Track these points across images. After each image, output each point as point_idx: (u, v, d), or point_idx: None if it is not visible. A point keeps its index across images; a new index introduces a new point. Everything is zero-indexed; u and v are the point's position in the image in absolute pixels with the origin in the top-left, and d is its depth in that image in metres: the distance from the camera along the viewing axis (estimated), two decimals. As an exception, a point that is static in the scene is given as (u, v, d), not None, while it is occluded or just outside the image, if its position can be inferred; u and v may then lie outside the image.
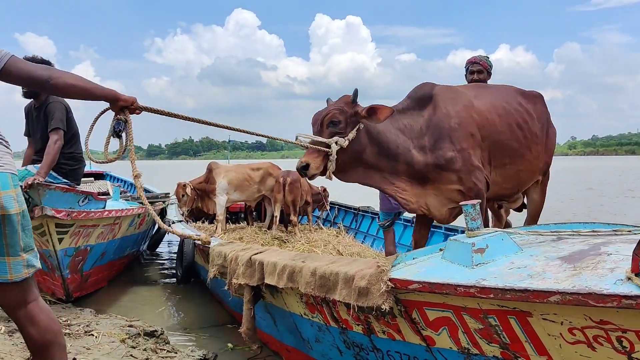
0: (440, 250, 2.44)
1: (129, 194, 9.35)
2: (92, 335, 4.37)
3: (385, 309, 2.33)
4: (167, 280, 7.43)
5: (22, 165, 5.24)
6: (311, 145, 3.53)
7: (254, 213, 10.05)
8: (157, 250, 9.84)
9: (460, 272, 2.14)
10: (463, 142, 3.69)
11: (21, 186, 4.64)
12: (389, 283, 2.32)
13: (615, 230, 2.27)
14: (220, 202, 8.00)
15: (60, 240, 5.22)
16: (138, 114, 2.73)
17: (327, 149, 3.52)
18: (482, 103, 3.93)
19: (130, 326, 4.72)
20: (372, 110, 3.56)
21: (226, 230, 8.24)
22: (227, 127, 3.14)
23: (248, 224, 9.22)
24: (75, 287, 5.72)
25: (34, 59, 5.00)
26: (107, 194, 7.97)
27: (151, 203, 8.59)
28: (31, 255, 2.27)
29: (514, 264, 2.06)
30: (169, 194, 9.33)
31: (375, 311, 2.47)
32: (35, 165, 5.04)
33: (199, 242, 4.56)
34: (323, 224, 9.25)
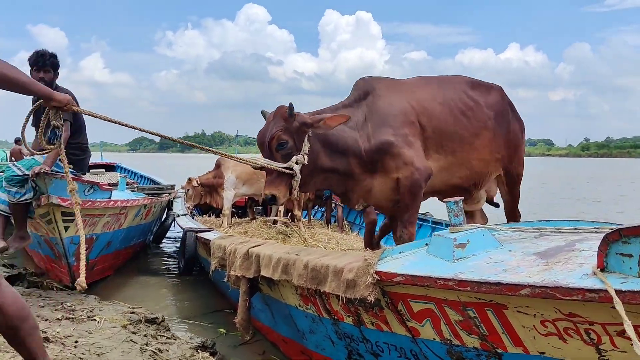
0: (426, 245, 2.51)
1: (136, 185, 9.47)
2: (95, 320, 4.48)
3: (371, 300, 2.42)
4: (172, 271, 7.56)
5: (29, 155, 5.35)
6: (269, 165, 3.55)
7: (260, 208, 10.14)
8: (162, 242, 9.95)
9: (442, 265, 2.22)
10: (403, 128, 3.78)
11: (28, 175, 4.78)
12: (375, 275, 2.40)
13: (596, 228, 2.33)
14: (227, 197, 8.11)
15: (66, 228, 5.33)
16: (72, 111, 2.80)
17: (291, 171, 3.54)
18: (422, 92, 4.04)
19: (132, 313, 4.83)
20: (323, 121, 3.59)
21: (232, 224, 8.35)
22: (159, 135, 3.52)
23: (252, 218, 9.32)
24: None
25: (43, 55, 5.12)
26: (115, 185, 8.09)
27: (158, 195, 8.72)
28: None
29: (491, 259, 2.14)
30: (174, 185, 9.43)
31: (362, 302, 2.56)
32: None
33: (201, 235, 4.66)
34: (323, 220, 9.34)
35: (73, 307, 4.85)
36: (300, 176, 3.57)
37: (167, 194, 9.04)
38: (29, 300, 5.01)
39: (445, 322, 2.29)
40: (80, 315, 4.58)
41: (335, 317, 3.01)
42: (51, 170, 4.86)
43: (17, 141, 15.20)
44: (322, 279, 2.79)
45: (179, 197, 9.05)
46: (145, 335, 4.29)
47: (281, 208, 8.15)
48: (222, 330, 4.78)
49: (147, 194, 8.41)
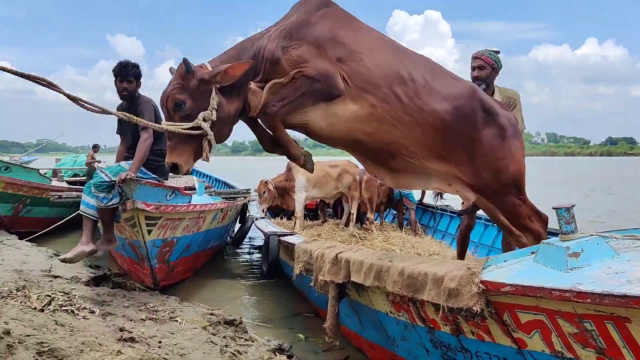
0: (532, 253, 2.43)
1: (213, 189, 9.65)
2: (176, 321, 4.59)
3: (477, 310, 2.36)
4: (249, 273, 7.65)
5: (115, 162, 5.55)
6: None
7: (331, 210, 10.16)
8: (241, 245, 10.01)
9: (554, 275, 2.13)
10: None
11: (115, 181, 4.95)
12: (480, 285, 2.34)
13: None
14: (299, 199, 8.17)
15: (149, 231, 5.50)
16: None
17: (199, 131, 3.10)
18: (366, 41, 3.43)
19: (212, 314, 4.92)
20: (224, 73, 3.11)
21: (304, 227, 8.39)
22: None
23: (323, 221, 9.34)
24: (163, 277, 6.02)
25: (126, 65, 5.32)
26: (193, 188, 8.28)
27: (233, 199, 8.87)
28: None
29: (610, 269, 2.04)
30: (249, 190, 9.56)
31: (465, 312, 2.50)
32: (127, 161, 5.32)
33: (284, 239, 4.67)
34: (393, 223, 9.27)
35: (155, 307, 4.98)
36: (212, 133, 3.14)
37: (242, 198, 9.18)
38: (114, 300, 5.17)
39: (557, 334, 2.20)
40: (163, 316, 4.69)
41: (431, 325, 2.96)
42: (136, 177, 5.02)
43: (94, 147, 15.90)
44: (420, 287, 2.74)
45: (253, 200, 9.17)
46: (224, 337, 4.35)
47: (354, 210, 8.13)
48: (300, 335, 4.78)
49: (223, 198, 8.57)
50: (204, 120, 3.10)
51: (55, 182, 11.58)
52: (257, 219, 7.48)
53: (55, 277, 5.88)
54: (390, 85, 3.25)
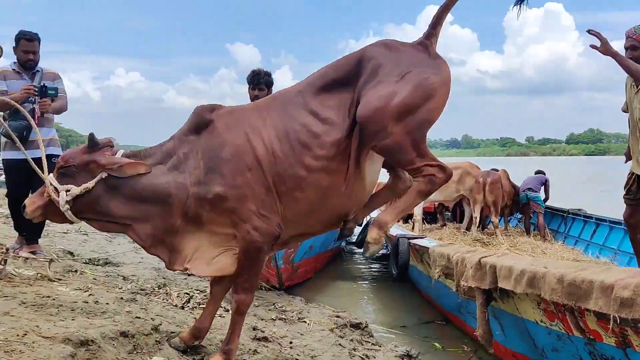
0: None
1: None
2: (305, 322, 4.63)
3: (657, 322, 2.15)
4: (369, 276, 7.61)
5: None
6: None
7: (449, 214, 9.91)
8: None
9: None
10: (237, 178, 2.92)
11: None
12: (662, 295, 2.13)
13: None
14: (418, 202, 7.99)
15: None
16: None
17: (54, 196, 3.00)
18: (269, 125, 3.02)
19: (337, 317, 4.91)
20: (119, 167, 3.00)
21: (423, 231, 8.21)
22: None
23: (442, 224, 9.11)
24: (287, 277, 6.11)
25: (258, 74, 5.46)
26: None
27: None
28: None
29: None
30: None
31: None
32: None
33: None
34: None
35: (284, 308, 5.04)
36: (67, 207, 2.99)
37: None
38: (245, 300, 5.30)
39: None
40: (292, 317, 4.74)
41: (591, 337, 2.76)
42: None
43: None
44: (583, 295, 2.55)
45: None
46: (351, 340, 4.32)
47: (477, 214, 7.88)
48: (437, 345, 4.63)
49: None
50: (67, 192, 2.99)
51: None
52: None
53: (190, 274, 6.12)
54: None
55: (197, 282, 5.73)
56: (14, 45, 4.85)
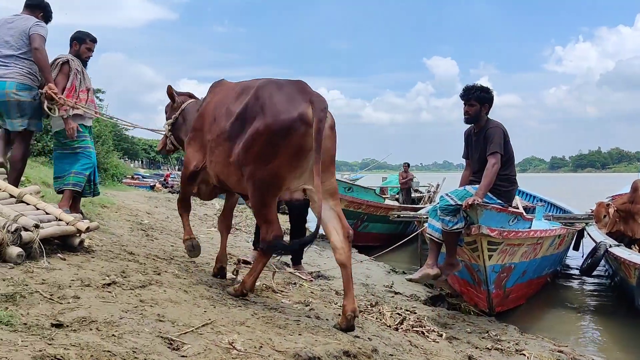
0: None
1: (550, 215, 9.19)
2: (523, 354, 4.40)
3: None
4: (590, 305, 7.02)
5: (460, 186, 5.58)
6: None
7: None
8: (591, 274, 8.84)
9: None
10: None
11: (461, 205, 4.99)
12: None
13: None
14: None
15: (489, 256, 5.44)
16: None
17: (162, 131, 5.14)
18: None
19: (560, 352, 4.59)
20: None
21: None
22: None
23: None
24: (498, 302, 5.89)
25: (469, 89, 5.38)
26: (526, 211, 7.94)
27: (570, 224, 8.28)
28: None
29: None
30: (591, 215, 8.58)
31: None
32: (472, 185, 5.33)
33: None
34: None
35: (498, 336, 4.87)
36: (170, 134, 5.03)
37: (580, 223, 8.49)
38: (455, 324, 5.20)
39: None
40: (508, 347, 4.55)
41: None
42: (482, 202, 5.00)
43: (406, 165, 17.02)
44: None
45: (590, 223, 8.33)
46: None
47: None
48: None
49: (562, 224, 8.06)
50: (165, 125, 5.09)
51: (387, 201, 12.35)
52: (610, 246, 6.62)
53: (397, 293, 6.20)
54: None
55: (405, 301, 5.79)
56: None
